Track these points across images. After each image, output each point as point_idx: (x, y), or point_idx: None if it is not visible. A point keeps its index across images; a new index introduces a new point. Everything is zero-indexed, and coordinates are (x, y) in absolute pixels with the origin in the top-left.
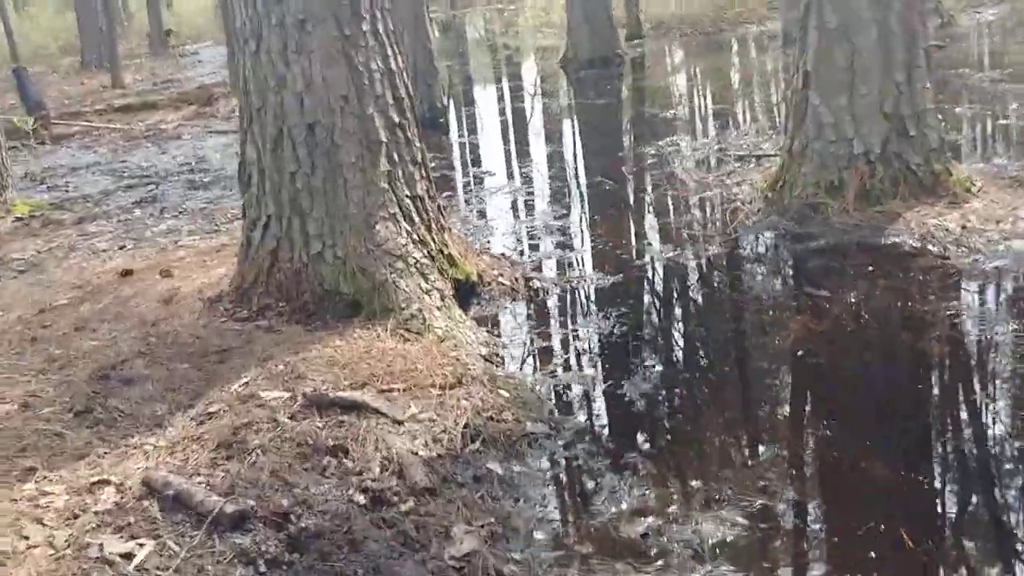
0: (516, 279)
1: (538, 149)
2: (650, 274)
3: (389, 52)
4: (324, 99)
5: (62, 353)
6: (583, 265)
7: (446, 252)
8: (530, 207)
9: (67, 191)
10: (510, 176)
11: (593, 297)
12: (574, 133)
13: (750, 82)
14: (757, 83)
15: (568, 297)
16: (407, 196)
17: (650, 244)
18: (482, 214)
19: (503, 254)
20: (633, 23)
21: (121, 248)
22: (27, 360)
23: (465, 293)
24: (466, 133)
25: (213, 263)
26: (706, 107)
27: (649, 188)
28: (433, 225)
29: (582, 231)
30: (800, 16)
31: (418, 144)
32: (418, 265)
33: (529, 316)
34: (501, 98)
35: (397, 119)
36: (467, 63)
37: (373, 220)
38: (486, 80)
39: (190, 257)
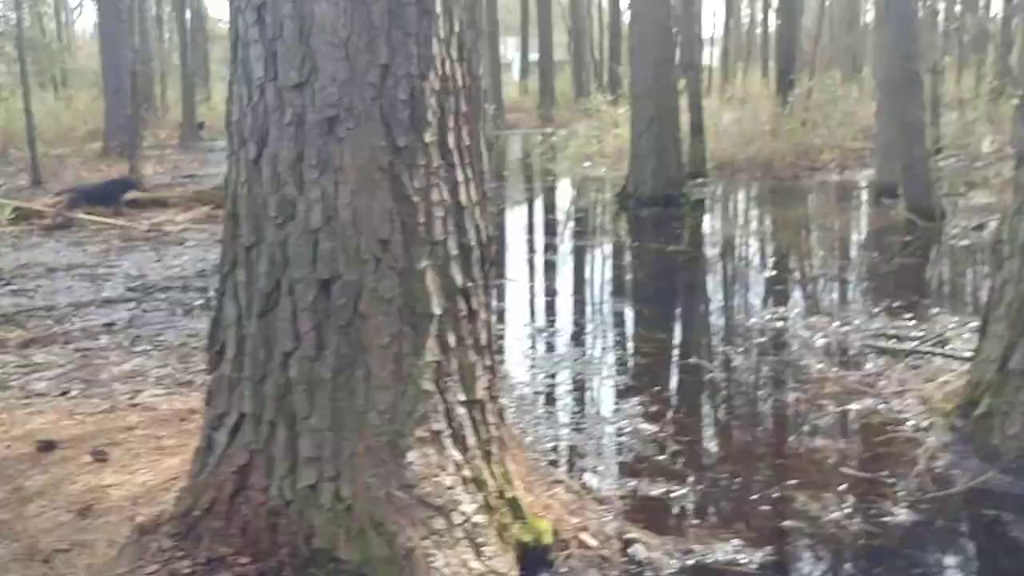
0: (606, 537)
1: (606, 306)
2: (813, 554)
3: (460, 177)
4: (352, 243)
5: None
6: (705, 516)
7: (509, 495)
8: (607, 394)
9: (31, 298)
10: (575, 340)
11: None
12: (648, 287)
13: (848, 240)
14: (857, 243)
15: None
16: (461, 402)
17: (798, 488)
18: (544, 399)
19: (583, 484)
20: (698, 161)
21: (63, 394)
22: None
23: (533, 561)
24: (515, 274)
25: (170, 443)
26: (807, 268)
27: (768, 384)
28: (494, 448)
29: (690, 449)
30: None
31: (484, 317)
32: (468, 525)
33: None
34: (553, 232)
35: (461, 281)
36: (504, 188)
37: (405, 442)
38: (534, 210)
39: (142, 427)
